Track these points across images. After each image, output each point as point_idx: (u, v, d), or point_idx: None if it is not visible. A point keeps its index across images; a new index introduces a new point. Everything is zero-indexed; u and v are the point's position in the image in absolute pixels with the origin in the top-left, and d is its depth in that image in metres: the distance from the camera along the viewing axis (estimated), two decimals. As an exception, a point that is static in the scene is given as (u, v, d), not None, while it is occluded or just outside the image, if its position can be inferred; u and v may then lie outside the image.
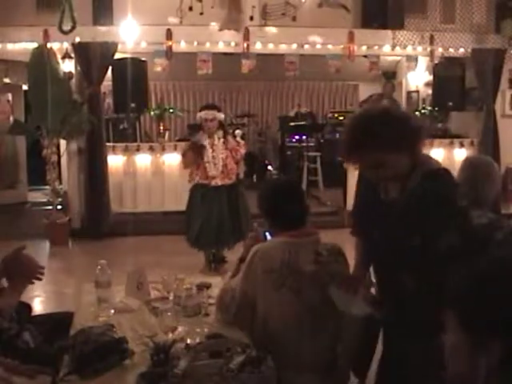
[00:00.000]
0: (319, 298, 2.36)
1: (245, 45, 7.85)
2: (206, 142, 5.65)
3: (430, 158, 2.29)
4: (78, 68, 7.79)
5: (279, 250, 2.41)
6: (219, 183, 5.68)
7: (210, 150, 5.65)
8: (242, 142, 5.99)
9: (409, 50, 8.41)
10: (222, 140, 5.71)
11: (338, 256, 2.50)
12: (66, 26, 6.65)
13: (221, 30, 7.44)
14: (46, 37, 7.32)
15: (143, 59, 7.97)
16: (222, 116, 5.89)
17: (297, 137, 10.03)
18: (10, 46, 7.71)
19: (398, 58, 9.61)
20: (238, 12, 7.40)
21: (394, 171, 2.14)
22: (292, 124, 10.17)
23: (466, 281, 1.15)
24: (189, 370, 1.88)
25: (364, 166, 2.15)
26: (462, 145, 8.87)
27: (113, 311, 2.59)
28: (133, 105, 7.81)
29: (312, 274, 2.38)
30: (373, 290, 2.45)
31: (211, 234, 5.71)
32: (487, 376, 1.06)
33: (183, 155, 5.82)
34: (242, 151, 5.84)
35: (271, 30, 8.03)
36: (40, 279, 2.43)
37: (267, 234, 2.61)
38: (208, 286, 2.88)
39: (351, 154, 2.14)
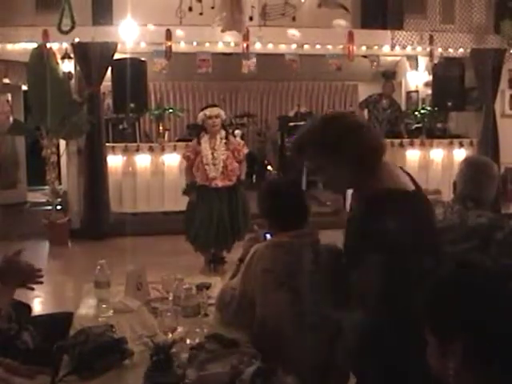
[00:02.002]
0: (318, 299, 2.36)
1: (244, 45, 7.86)
2: (207, 143, 5.62)
3: (392, 174, 1.97)
4: (78, 68, 7.79)
5: (279, 250, 2.41)
6: (219, 184, 5.63)
7: (210, 151, 5.61)
8: (242, 142, 5.99)
9: (408, 50, 8.42)
10: (223, 141, 5.66)
11: (337, 256, 2.50)
12: (66, 26, 6.65)
13: (224, 31, 7.43)
14: (46, 37, 7.31)
15: (143, 59, 7.97)
16: (224, 115, 5.85)
17: (296, 137, 10.02)
18: (9, 46, 7.71)
19: (398, 58, 9.63)
20: (239, 13, 7.39)
21: (329, 182, 2.07)
22: (291, 124, 10.16)
23: (430, 286, 1.18)
24: (198, 381, 1.90)
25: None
26: (461, 145, 8.87)
27: (112, 311, 2.59)
28: (132, 105, 7.81)
29: (311, 274, 2.38)
30: None
31: (210, 236, 5.68)
32: (455, 376, 1.08)
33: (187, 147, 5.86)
34: (245, 151, 5.81)
35: (271, 30, 8.03)
36: (40, 283, 2.42)
37: (267, 235, 2.60)
38: (208, 286, 2.88)
39: (293, 151, 2.10)
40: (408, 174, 2.08)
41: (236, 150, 5.70)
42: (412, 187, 1.99)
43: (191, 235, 5.76)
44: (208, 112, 5.65)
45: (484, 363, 1.06)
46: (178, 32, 7.71)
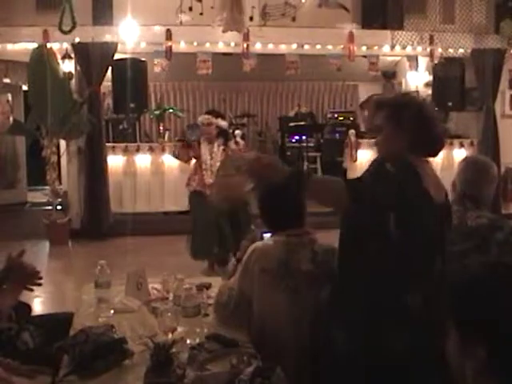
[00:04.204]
0: (315, 298, 2.36)
1: (245, 45, 7.86)
2: (206, 149, 5.58)
3: (423, 171, 2.13)
4: (78, 68, 7.79)
5: (276, 249, 2.41)
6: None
7: (209, 158, 5.58)
8: (242, 143, 5.95)
9: (408, 50, 8.42)
10: (221, 148, 5.62)
11: (334, 256, 2.50)
12: (66, 27, 6.65)
13: (224, 31, 7.44)
14: (46, 37, 7.32)
15: (143, 59, 7.96)
16: (222, 123, 5.77)
17: (297, 137, 10.02)
18: (9, 46, 7.72)
19: (398, 58, 9.62)
20: (239, 13, 7.40)
21: (381, 142, 2.18)
22: (292, 124, 10.17)
23: (460, 282, 1.16)
24: (198, 381, 1.90)
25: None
26: (461, 145, 8.87)
27: (112, 311, 2.59)
28: (132, 105, 7.81)
29: (308, 273, 2.38)
30: None
31: (208, 245, 5.62)
32: (474, 378, 1.06)
33: (178, 156, 5.81)
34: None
35: (271, 30, 8.03)
36: (39, 284, 2.43)
37: (265, 234, 2.61)
38: (208, 287, 2.88)
39: (373, 104, 2.27)
40: (445, 192, 2.23)
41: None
42: (431, 194, 2.08)
43: (191, 247, 5.73)
44: (200, 119, 5.65)
45: (508, 369, 1.03)
46: (178, 32, 7.71)
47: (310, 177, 2.06)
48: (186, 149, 5.66)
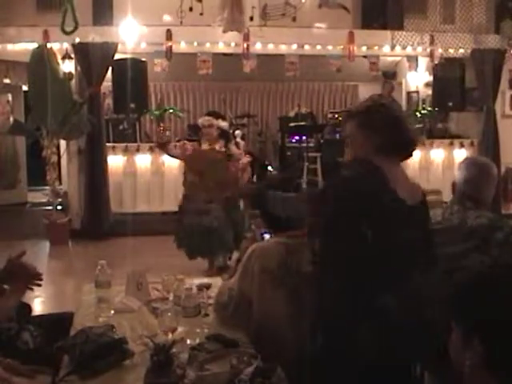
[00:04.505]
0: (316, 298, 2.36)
1: (245, 45, 7.86)
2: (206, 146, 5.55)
3: (391, 174, 2.08)
4: (78, 68, 7.80)
5: (276, 249, 2.41)
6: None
7: None
8: (242, 143, 5.93)
9: (409, 50, 8.43)
10: (222, 149, 5.58)
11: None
12: (68, 27, 6.65)
13: (225, 31, 7.44)
14: (46, 37, 7.33)
15: (143, 60, 7.97)
16: (223, 124, 5.75)
17: (297, 137, 10.01)
18: (10, 47, 7.73)
19: (398, 58, 9.62)
20: (239, 13, 7.40)
21: (353, 149, 2.19)
22: (292, 124, 10.16)
23: (465, 279, 1.21)
24: (198, 382, 1.90)
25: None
26: (462, 145, 8.88)
27: (113, 311, 2.59)
28: (133, 105, 7.81)
29: (309, 274, 2.38)
30: None
31: (202, 244, 5.59)
32: (470, 372, 1.09)
33: (176, 155, 5.80)
34: (245, 160, 5.70)
35: (271, 30, 8.03)
36: (39, 285, 2.43)
37: (265, 235, 2.61)
38: (208, 287, 2.88)
39: (344, 122, 2.27)
40: (422, 193, 2.18)
41: (236, 160, 5.63)
42: (401, 195, 2.03)
43: (181, 244, 5.67)
44: (201, 120, 5.62)
45: (501, 366, 1.06)
46: (178, 32, 7.72)
47: (271, 192, 2.07)
48: (184, 149, 5.63)
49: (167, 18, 7.85)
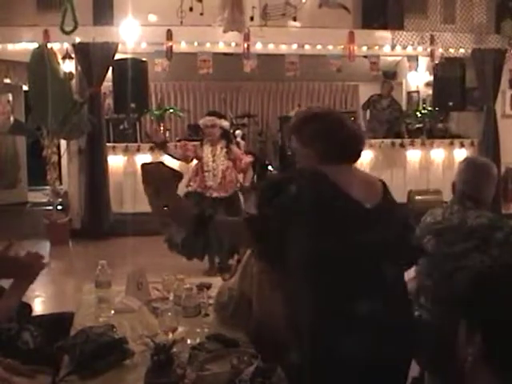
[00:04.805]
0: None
1: (245, 45, 7.86)
2: (208, 150, 5.52)
3: (341, 177, 2.03)
4: (79, 68, 7.80)
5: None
6: (214, 194, 5.55)
7: (211, 160, 5.54)
8: (243, 143, 5.93)
9: (409, 50, 8.42)
10: (224, 150, 5.58)
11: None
12: (68, 27, 6.65)
13: (225, 31, 7.44)
14: (47, 37, 7.33)
15: (144, 59, 7.97)
16: (225, 124, 5.74)
17: (297, 137, 10.02)
18: (10, 46, 7.73)
19: (399, 58, 9.63)
20: (240, 13, 7.40)
21: (299, 164, 2.18)
22: (292, 124, 10.16)
23: (474, 275, 1.25)
24: (199, 381, 1.90)
25: None
26: (462, 145, 8.87)
27: (113, 311, 2.59)
28: (133, 105, 7.81)
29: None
30: None
31: (199, 245, 5.55)
32: (472, 365, 1.10)
33: (177, 156, 5.76)
34: (247, 160, 5.69)
35: (271, 30, 8.03)
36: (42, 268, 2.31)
37: None
38: (208, 287, 2.88)
39: (289, 136, 2.25)
40: (384, 189, 2.10)
41: (238, 159, 5.62)
42: (357, 198, 1.98)
43: (172, 243, 5.59)
44: (203, 121, 5.59)
45: (500, 362, 1.07)
46: (179, 32, 7.72)
47: (212, 220, 2.04)
48: (185, 149, 5.63)
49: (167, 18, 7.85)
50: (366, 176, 2.18)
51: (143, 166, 2.17)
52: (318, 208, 1.93)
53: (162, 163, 2.19)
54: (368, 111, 9.61)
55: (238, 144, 5.97)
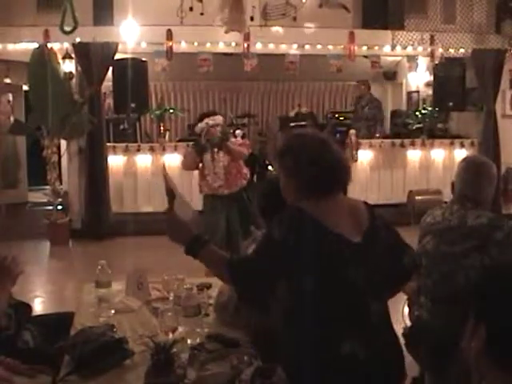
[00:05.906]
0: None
1: (245, 45, 7.86)
2: (208, 153, 5.49)
3: (323, 209, 1.96)
4: (79, 68, 7.80)
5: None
6: (225, 192, 5.44)
7: (210, 159, 5.49)
8: (246, 142, 5.85)
9: (409, 50, 8.43)
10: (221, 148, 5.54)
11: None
12: (68, 27, 6.65)
13: (226, 32, 7.44)
14: (47, 37, 7.33)
15: (143, 59, 7.97)
16: (222, 119, 5.67)
17: (297, 137, 10.02)
18: (10, 46, 7.73)
19: (399, 58, 9.63)
20: (240, 13, 7.40)
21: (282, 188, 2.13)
22: (292, 124, 10.16)
23: (484, 270, 1.37)
24: (199, 381, 1.90)
25: None
26: (462, 145, 8.87)
27: (113, 311, 2.59)
28: (133, 105, 7.81)
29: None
30: None
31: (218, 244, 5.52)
32: (476, 357, 1.11)
33: (185, 156, 5.71)
34: (245, 151, 5.60)
35: (272, 30, 8.03)
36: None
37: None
38: (208, 286, 2.88)
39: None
40: (370, 214, 2.04)
41: (234, 152, 5.50)
42: (342, 233, 1.92)
43: None
44: (211, 121, 5.50)
45: (503, 350, 1.09)
46: (179, 32, 7.72)
47: (205, 247, 2.07)
48: (197, 154, 5.52)
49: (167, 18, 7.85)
50: (352, 204, 2.09)
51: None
52: (304, 253, 1.89)
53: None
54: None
55: (240, 142, 5.87)
